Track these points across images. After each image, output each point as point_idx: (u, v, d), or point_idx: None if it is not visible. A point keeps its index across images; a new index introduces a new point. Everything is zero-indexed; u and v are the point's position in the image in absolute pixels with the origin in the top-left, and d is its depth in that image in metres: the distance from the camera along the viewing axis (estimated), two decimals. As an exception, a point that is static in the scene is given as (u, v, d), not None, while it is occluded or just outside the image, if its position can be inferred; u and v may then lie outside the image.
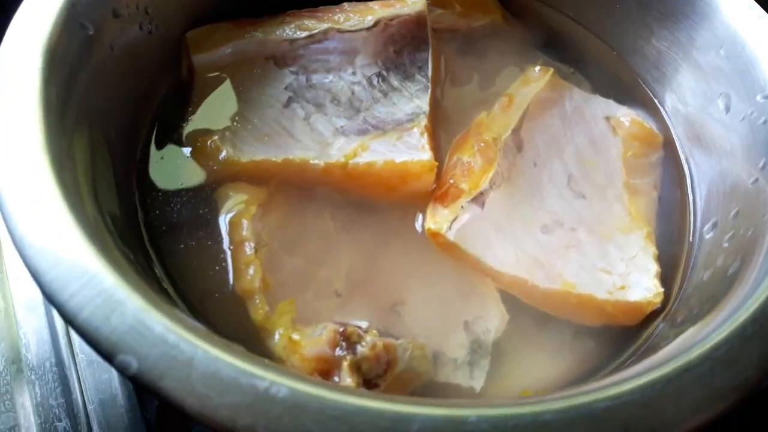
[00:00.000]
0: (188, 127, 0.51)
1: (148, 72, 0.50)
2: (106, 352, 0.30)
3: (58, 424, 0.52)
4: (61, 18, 0.41)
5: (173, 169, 0.49)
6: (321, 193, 0.50)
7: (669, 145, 0.54)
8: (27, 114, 0.36)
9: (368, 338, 0.42)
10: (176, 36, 0.53)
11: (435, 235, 0.47)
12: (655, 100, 0.56)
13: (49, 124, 0.36)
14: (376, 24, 0.54)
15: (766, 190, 0.41)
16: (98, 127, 0.43)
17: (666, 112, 0.55)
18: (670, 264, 0.48)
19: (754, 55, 0.46)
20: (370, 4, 0.56)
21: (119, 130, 0.47)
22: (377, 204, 0.51)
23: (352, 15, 0.55)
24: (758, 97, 0.45)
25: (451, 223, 0.47)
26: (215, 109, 0.53)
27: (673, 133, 0.54)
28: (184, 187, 0.48)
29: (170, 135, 0.51)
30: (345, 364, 0.40)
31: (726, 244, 0.43)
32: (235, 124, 0.52)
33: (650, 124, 0.55)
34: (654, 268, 0.48)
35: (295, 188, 0.50)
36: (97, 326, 0.30)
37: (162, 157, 0.50)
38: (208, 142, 0.50)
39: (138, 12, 0.48)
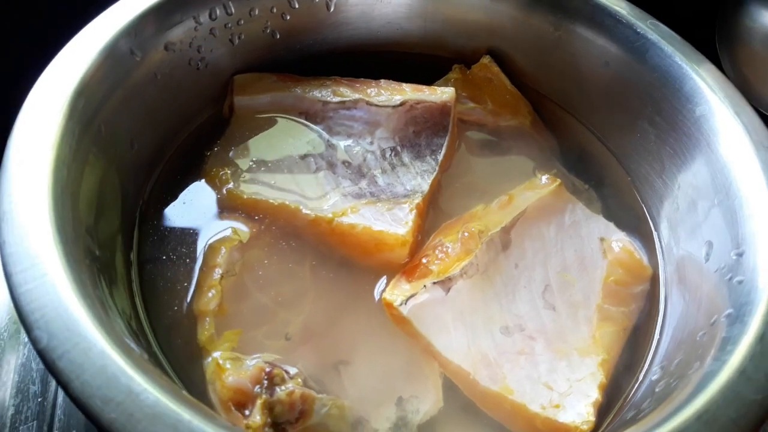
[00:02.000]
0: (212, 155, 0.57)
1: (186, 103, 0.56)
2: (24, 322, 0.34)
3: (31, 387, 0.57)
4: (113, 42, 0.48)
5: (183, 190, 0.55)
6: (309, 243, 0.54)
7: (655, 280, 0.54)
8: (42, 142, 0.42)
9: (289, 384, 0.44)
10: (224, 76, 0.59)
11: (389, 306, 0.49)
12: (654, 234, 0.56)
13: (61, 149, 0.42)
14: (402, 104, 0.58)
15: (707, 347, 0.40)
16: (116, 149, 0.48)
17: (661, 247, 0.55)
18: (614, 395, 0.48)
19: (741, 211, 0.45)
20: (404, 85, 0.60)
21: (144, 149, 0.53)
22: (358, 265, 0.54)
23: (383, 91, 0.59)
24: (732, 253, 0.44)
25: (408, 298, 0.49)
26: (241, 147, 0.58)
27: (661, 269, 0.54)
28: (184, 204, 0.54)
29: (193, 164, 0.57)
30: (259, 402, 0.43)
31: (657, 389, 0.42)
32: (252, 163, 0.57)
33: (641, 256, 0.55)
34: (595, 396, 0.47)
35: (286, 233, 0.54)
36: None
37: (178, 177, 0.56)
38: (221, 173, 0.55)
39: (190, 49, 0.55)
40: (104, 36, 0.48)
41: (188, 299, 0.49)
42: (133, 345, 0.37)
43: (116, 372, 0.33)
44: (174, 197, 0.54)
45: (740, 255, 0.43)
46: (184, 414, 0.32)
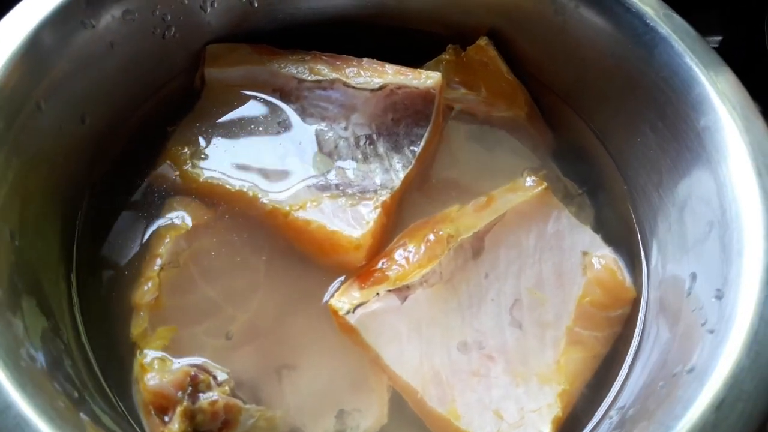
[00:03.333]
0: (175, 132, 0.54)
1: (149, 74, 0.53)
2: None
3: None
4: (59, 12, 0.44)
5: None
6: (265, 235, 0.51)
7: (636, 305, 0.48)
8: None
9: (214, 393, 0.42)
10: (195, 46, 0.55)
11: (335, 314, 0.46)
12: (643, 253, 0.50)
13: None
14: (381, 88, 0.53)
15: (660, 403, 0.35)
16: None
17: (648, 269, 0.49)
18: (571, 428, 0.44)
19: (731, 246, 0.40)
20: (387, 67, 0.55)
21: (101, 117, 0.50)
22: (316, 263, 0.51)
23: (363, 72, 0.54)
24: (712, 294, 0.39)
25: (356, 306, 0.46)
26: (207, 124, 0.54)
27: (644, 293, 0.49)
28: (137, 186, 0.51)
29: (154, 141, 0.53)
30: (179, 408, 0.41)
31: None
32: (216, 143, 0.53)
33: (625, 276, 0.49)
34: (546, 431, 0.43)
35: (241, 223, 0.51)
36: None
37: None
38: (181, 151, 0.52)
39: (153, 17, 0.51)
40: (47, 6, 0.44)
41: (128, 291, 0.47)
42: (32, 353, 0.35)
43: (-12, 387, 0.31)
44: (128, 177, 0.51)
45: (719, 298, 0.38)
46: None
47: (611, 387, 0.45)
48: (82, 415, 0.35)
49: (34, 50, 0.43)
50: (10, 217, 0.40)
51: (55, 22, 0.44)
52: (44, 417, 0.31)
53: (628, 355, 0.46)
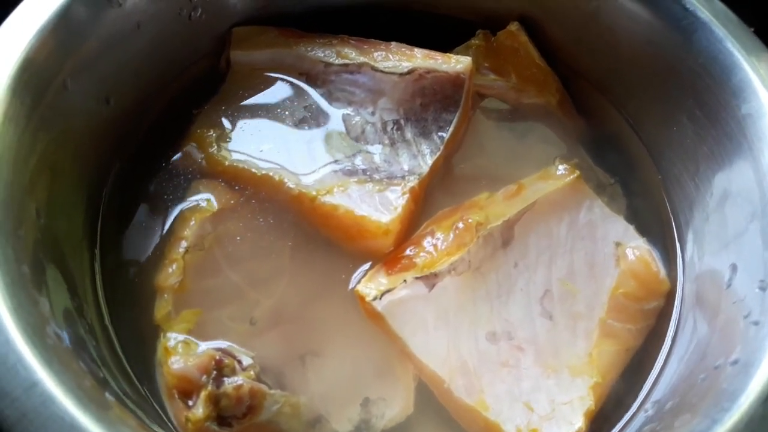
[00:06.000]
0: (200, 114, 0.53)
1: (175, 56, 0.52)
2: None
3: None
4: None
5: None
6: (291, 220, 0.50)
7: (671, 297, 0.47)
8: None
9: (239, 377, 0.41)
10: (221, 28, 0.55)
11: (362, 300, 0.45)
12: (678, 245, 0.49)
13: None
14: (410, 72, 0.52)
15: (703, 396, 0.34)
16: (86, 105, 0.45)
17: (683, 260, 0.48)
18: (601, 426, 0.42)
19: (776, 235, 0.38)
20: (416, 51, 0.53)
21: (126, 98, 0.49)
22: (342, 248, 0.50)
23: (392, 56, 0.53)
24: (756, 285, 0.37)
25: (383, 293, 0.45)
26: (232, 108, 0.53)
27: (680, 285, 0.47)
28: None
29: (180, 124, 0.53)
30: (204, 393, 0.40)
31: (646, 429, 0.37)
32: (241, 127, 0.53)
33: (659, 268, 0.48)
34: (578, 424, 0.42)
35: (267, 207, 0.50)
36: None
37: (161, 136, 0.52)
38: (206, 134, 0.51)
39: (181, -2, 0.50)
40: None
41: (152, 273, 0.46)
42: (57, 332, 0.34)
43: (17, 364, 0.30)
44: (153, 159, 0.51)
45: (764, 289, 0.37)
46: (82, 419, 0.29)
47: (645, 380, 0.44)
48: (107, 395, 0.34)
49: (64, 27, 0.42)
50: (38, 194, 0.39)
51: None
52: (71, 395, 0.30)
53: (663, 349, 0.45)
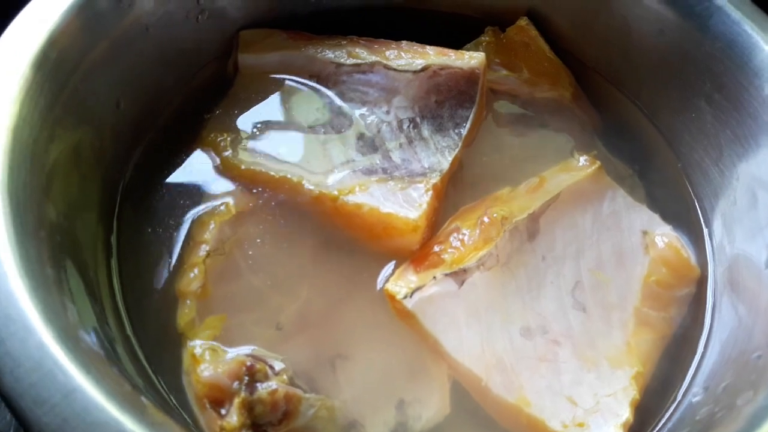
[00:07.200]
0: (211, 119, 0.52)
1: (183, 60, 0.51)
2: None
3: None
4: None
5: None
6: (311, 222, 0.48)
7: (702, 283, 0.46)
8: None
9: (272, 382, 0.39)
10: (228, 31, 0.53)
11: (392, 298, 0.44)
12: (705, 230, 0.48)
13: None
14: (424, 69, 0.52)
15: (763, 372, 0.33)
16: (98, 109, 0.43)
17: (712, 246, 0.48)
18: (647, 416, 0.41)
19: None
20: (428, 48, 0.53)
21: (136, 102, 0.48)
22: (365, 249, 0.48)
23: (404, 54, 0.53)
24: (801, 261, 0.37)
25: (414, 291, 0.43)
26: (244, 111, 0.52)
27: (710, 271, 0.47)
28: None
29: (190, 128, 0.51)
30: (237, 400, 0.38)
31: (698, 416, 0.36)
32: (254, 130, 0.51)
33: (689, 254, 0.47)
34: (626, 415, 0.41)
35: (286, 209, 0.48)
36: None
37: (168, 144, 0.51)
38: (219, 138, 0.50)
39: (188, 1, 0.49)
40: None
41: (171, 279, 0.44)
42: (87, 337, 0.32)
43: (54, 369, 0.28)
44: (166, 164, 0.49)
45: (811, 264, 0.36)
46: (126, 424, 0.27)
47: (688, 367, 0.43)
48: (143, 399, 0.32)
49: (75, 30, 0.41)
50: (55, 198, 0.37)
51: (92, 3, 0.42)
52: (112, 401, 0.28)
53: (702, 334, 0.44)
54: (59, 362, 0.28)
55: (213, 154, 0.49)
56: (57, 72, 0.40)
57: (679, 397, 0.42)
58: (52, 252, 0.35)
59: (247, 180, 0.49)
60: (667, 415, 0.41)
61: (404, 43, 0.54)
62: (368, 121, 0.52)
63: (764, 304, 0.39)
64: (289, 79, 0.54)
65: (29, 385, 0.28)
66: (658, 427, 0.41)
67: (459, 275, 0.45)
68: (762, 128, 0.44)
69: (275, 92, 0.53)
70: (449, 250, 0.46)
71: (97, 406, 0.28)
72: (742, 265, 0.43)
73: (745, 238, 0.44)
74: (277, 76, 0.54)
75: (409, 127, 0.52)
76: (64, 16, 0.40)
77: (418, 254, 0.46)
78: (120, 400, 0.29)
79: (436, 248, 0.46)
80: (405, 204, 0.47)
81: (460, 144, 0.51)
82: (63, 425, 0.27)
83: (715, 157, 0.48)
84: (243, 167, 0.49)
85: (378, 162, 0.50)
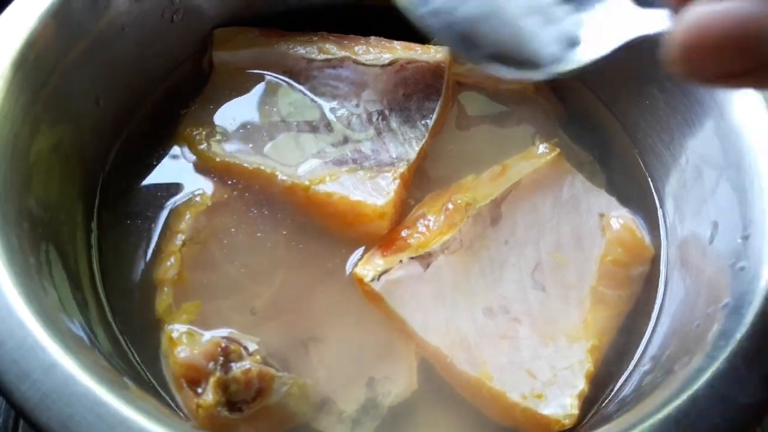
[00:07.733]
0: (187, 114, 0.54)
1: (159, 58, 0.53)
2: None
3: None
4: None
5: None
6: (285, 211, 0.51)
7: (656, 262, 0.49)
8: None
9: (246, 362, 0.41)
10: (203, 30, 0.55)
11: (360, 281, 0.46)
12: (660, 211, 0.51)
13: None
14: (391, 63, 0.54)
15: (699, 339, 0.36)
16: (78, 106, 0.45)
17: (665, 226, 0.50)
18: (601, 386, 0.44)
19: (753, 188, 0.40)
20: (395, 43, 0.55)
21: (115, 99, 0.50)
22: (336, 236, 0.50)
23: (372, 49, 0.55)
24: (738, 237, 0.39)
25: (381, 273, 0.46)
26: (219, 106, 0.54)
27: (663, 249, 0.49)
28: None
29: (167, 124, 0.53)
30: (212, 379, 0.40)
31: (644, 383, 0.39)
32: (229, 124, 0.53)
33: (643, 234, 0.50)
34: (581, 386, 0.44)
35: (260, 200, 0.51)
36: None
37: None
38: (195, 133, 0.52)
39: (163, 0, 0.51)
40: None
41: (149, 267, 0.46)
42: (68, 321, 0.35)
43: (35, 346, 0.31)
44: (145, 158, 0.51)
45: (746, 238, 0.39)
46: (104, 395, 0.30)
47: (639, 340, 0.46)
48: (125, 378, 0.34)
49: (55, 28, 0.43)
50: (36, 191, 0.39)
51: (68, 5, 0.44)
52: (92, 375, 0.30)
53: (654, 309, 0.47)
54: (38, 341, 0.31)
55: (189, 148, 0.52)
56: (36, 71, 0.42)
57: (630, 368, 0.44)
58: (34, 242, 0.37)
59: (222, 172, 0.51)
60: (619, 384, 0.44)
61: (372, 38, 0.56)
62: (339, 114, 0.54)
63: (707, 277, 0.41)
64: (263, 75, 0.56)
65: (12, 361, 0.30)
66: (610, 396, 0.44)
67: (424, 258, 0.47)
68: (707, 111, 0.46)
69: (249, 88, 0.55)
70: (415, 235, 0.48)
71: (75, 379, 0.30)
72: (690, 243, 0.46)
73: (693, 215, 0.46)
74: (251, 71, 0.56)
75: (378, 119, 0.54)
76: (41, 19, 0.42)
77: (386, 239, 0.48)
78: (100, 374, 0.31)
79: (403, 233, 0.48)
80: (373, 192, 0.49)
81: (426, 135, 0.53)
82: (44, 398, 0.29)
83: (667, 141, 0.50)
84: (218, 160, 0.51)
85: (348, 153, 0.52)
